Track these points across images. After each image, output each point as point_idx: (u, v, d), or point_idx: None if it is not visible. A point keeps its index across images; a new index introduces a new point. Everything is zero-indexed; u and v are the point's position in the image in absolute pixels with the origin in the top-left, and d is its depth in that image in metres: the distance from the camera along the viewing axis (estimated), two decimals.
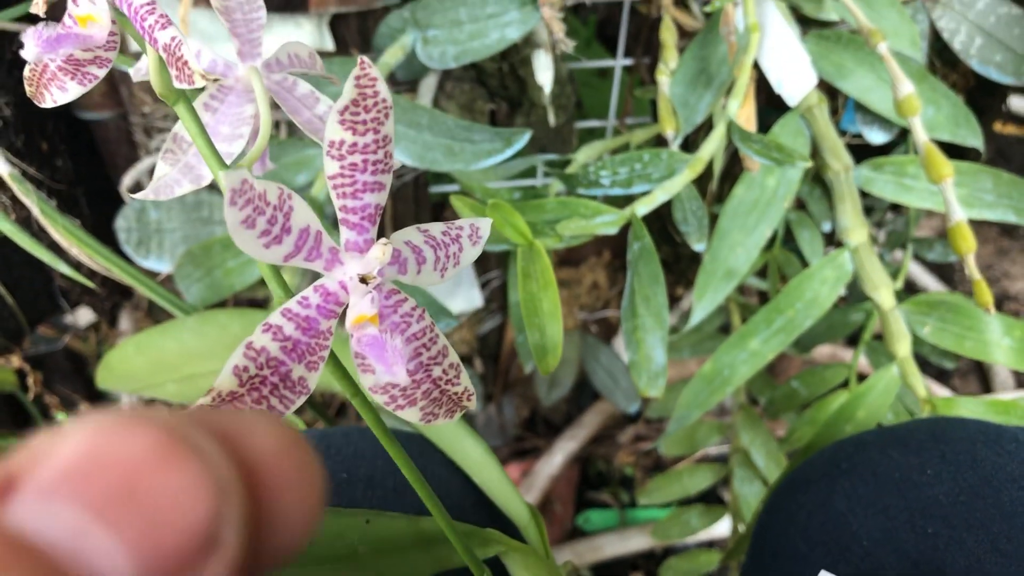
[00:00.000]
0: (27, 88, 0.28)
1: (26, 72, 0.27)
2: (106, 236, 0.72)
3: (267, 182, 0.23)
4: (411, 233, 0.27)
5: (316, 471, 0.15)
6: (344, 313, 0.26)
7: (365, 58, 0.23)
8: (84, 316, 0.94)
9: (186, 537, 0.12)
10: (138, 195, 0.33)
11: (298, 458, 0.15)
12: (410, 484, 0.31)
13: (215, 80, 0.33)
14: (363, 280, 0.25)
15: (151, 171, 0.74)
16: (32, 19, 0.28)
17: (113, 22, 0.27)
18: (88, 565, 0.12)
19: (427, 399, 0.28)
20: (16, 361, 0.82)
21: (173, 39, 0.24)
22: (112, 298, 0.84)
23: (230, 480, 0.13)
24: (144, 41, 0.27)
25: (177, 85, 0.26)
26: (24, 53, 0.24)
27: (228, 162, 0.33)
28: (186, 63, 0.24)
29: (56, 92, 0.28)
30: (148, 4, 0.25)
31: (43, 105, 0.28)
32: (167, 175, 0.33)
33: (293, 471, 0.15)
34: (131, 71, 0.36)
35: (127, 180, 0.72)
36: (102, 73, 0.28)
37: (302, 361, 0.25)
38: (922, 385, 0.60)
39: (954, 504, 0.43)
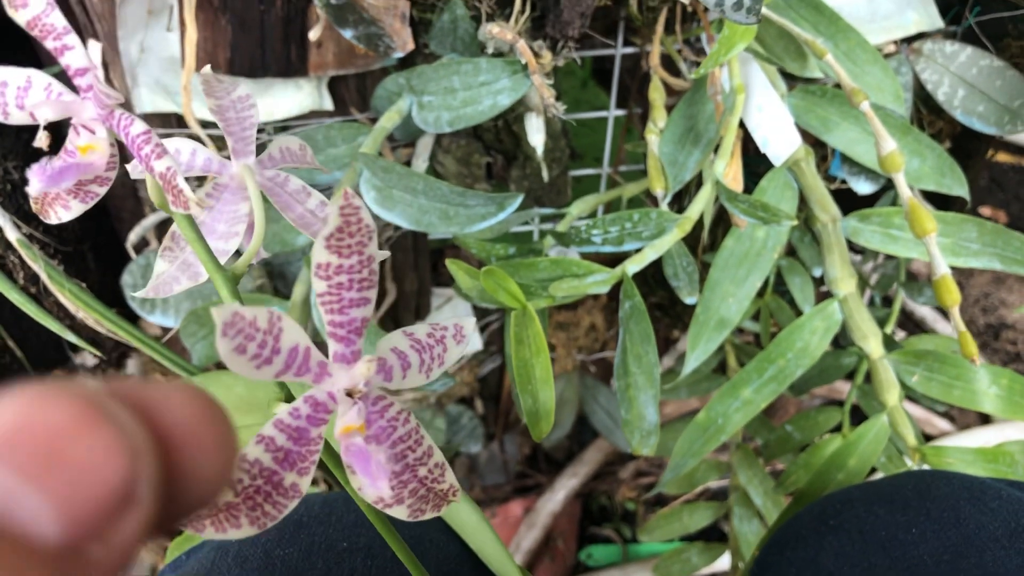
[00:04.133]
0: (33, 206, 0.29)
1: (32, 193, 0.29)
2: (113, 291, 0.74)
3: (258, 308, 0.24)
4: (397, 339, 0.29)
5: (226, 434, 0.17)
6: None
7: (349, 189, 0.25)
8: (90, 356, 0.96)
9: (104, 494, 0.14)
10: (138, 293, 0.34)
11: (210, 422, 0.17)
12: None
13: (211, 179, 0.35)
14: (349, 393, 0.26)
15: (156, 227, 0.76)
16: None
17: (111, 144, 0.29)
18: (18, 522, 0.13)
19: (414, 497, 0.29)
20: None
21: (168, 169, 0.26)
22: (119, 348, 0.85)
23: (143, 443, 0.15)
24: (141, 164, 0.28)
25: (173, 209, 0.27)
26: (29, 189, 0.25)
27: (224, 260, 0.35)
28: (181, 191, 0.26)
29: (60, 211, 0.29)
30: (144, 133, 0.27)
31: (49, 222, 0.29)
32: (166, 272, 0.35)
33: (205, 434, 0.16)
34: (129, 167, 0.38)
35: (133, 236, 0.74)
36: (103, 191, 0.29)
37: (293, 468, 0.27)
38: (912, 434, 0.61)
39: (938, 564, 0.43)
